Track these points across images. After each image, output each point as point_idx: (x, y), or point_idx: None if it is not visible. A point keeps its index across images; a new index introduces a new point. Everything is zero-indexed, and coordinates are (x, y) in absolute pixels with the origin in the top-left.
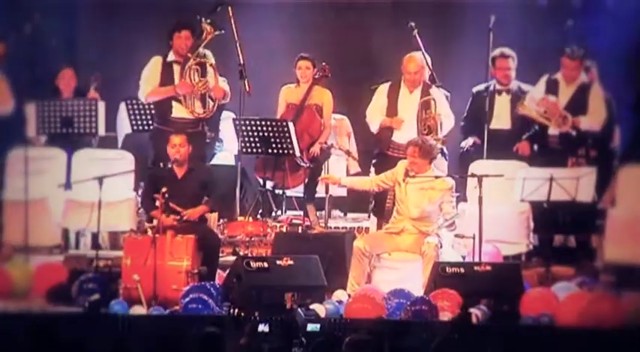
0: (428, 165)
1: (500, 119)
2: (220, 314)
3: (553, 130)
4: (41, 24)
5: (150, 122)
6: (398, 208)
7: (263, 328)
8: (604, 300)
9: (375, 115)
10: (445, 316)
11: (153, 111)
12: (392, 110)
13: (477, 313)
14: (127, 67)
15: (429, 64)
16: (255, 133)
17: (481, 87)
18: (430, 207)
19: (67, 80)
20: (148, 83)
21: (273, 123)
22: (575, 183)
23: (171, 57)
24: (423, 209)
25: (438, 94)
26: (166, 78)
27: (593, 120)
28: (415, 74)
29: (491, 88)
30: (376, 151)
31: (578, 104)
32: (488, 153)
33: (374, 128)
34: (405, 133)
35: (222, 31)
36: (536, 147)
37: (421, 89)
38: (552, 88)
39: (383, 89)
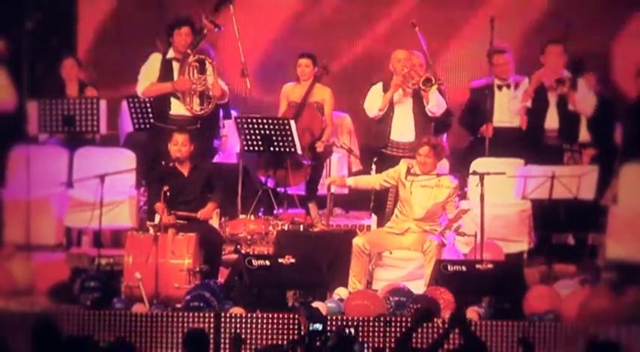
0: (436, 165)
1: (503, 115)
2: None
3: (550, 124)
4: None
5: (152, 121)
6: (401, 209)
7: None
8: (603, 296)
9: (373, 103)
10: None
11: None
12: (388, 108)
13: (478, 311)
14: (128, 64)
15: (429, 60)
16: (257, 131)
17: (480, 82)
18: (435, 206)
19: (68, 69)
20: (147, 79)
21: (275, 122)
22: (576, 180)
23: (170, 54)
24: (428, 209)
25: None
26: (165, 74)
27: (583, 102)
28: (399, 62)
29: (491, 84)
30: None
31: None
32: (490, 151)
33: (373, 113)
34: (403, 132)
35: (223, 28)
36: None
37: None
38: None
39: (377, 88)
